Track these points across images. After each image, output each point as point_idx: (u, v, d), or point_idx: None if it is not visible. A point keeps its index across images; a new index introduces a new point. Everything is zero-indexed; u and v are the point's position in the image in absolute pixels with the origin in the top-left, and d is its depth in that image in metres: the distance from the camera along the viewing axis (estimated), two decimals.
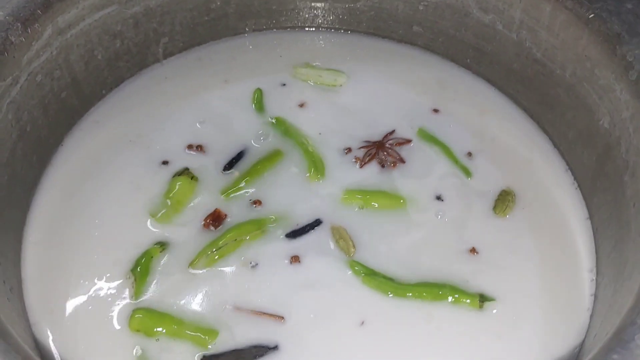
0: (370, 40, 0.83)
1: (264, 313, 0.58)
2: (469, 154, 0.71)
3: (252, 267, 0.61)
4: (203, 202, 0.66)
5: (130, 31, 0.74)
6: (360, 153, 0.69)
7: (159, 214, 0.65)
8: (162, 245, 0.63)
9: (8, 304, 0.53)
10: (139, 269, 0.61)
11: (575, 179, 0.69)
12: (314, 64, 0.79)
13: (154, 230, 0.64)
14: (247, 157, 0.69)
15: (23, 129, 0.64)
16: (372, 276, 0.60)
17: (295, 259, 0.61)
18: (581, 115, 0.67)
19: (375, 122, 0.73)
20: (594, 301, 0.61)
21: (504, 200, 0.65)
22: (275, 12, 0.82)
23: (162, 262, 0.62)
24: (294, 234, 0.63)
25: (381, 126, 0.72)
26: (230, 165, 0.69)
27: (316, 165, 0.68)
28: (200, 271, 0.61)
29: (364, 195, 0.66)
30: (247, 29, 0.83)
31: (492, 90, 0.78)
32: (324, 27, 0.84)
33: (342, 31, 0.84)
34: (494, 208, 0.65)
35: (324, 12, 0.82)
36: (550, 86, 0.70)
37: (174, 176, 0.67)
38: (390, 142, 0.70)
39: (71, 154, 0.70)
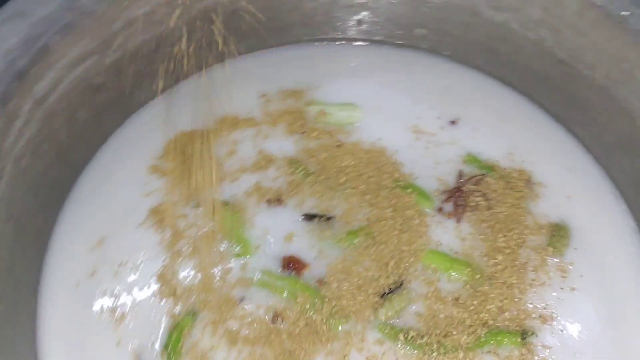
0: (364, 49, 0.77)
1: None
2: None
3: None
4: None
5: (112, 80, 0.66)
6: (449, 207, 0.63)
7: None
8: (193, 314, 0.58)
9: None
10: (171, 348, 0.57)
11: (616, 185, 0.66)
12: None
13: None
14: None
15: (17, 222, 0.56)
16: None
17: None
18: (619, 119, 0.63)
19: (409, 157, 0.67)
20: None
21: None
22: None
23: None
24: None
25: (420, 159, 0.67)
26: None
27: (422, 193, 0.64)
28: None
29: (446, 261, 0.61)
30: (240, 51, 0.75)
31: (511, 92, 0.73)
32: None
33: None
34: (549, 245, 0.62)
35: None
36: (579, 89, 0.66)
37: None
38: (466, 183, 0.65)
39: (69, 234, 0.63)
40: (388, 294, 0.58)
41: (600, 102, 0.64)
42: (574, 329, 0.58)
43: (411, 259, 0.60)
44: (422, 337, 0.56)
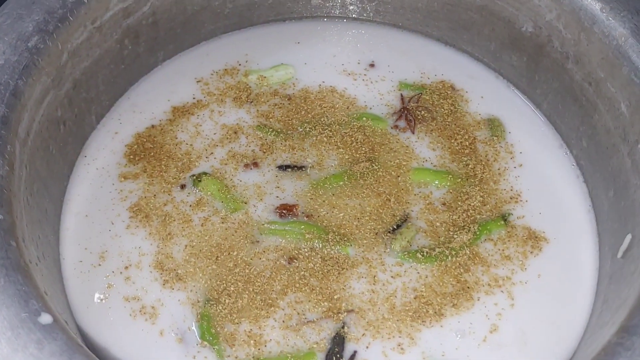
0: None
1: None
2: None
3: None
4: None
5: (67, 112, 0.67)
6: (402, 124, 0.74)
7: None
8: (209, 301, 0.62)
9: None
10: (207, 336, 0.61)
11: (509, 81, 0.81)
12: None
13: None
14: None
15: None
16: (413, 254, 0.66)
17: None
18: (499, 28, 0.78)
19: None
20: None
21: None
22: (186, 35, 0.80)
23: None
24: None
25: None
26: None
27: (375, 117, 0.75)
28: None
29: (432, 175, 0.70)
30: (159, 60, 0.79)
31: (403, 32, 0.85)
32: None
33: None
34: None
35: None
36: (462, 12, 0.80)
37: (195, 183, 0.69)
38: (409, 102, 0.76)
39: (73, 261, 0.65)
40: (397, 229, 0.66)
41: (481, 19, 0.78)
42: (532, 195, 0.71)
43: (406, 184, 0.70)
44: (433, 249, 0.65)
